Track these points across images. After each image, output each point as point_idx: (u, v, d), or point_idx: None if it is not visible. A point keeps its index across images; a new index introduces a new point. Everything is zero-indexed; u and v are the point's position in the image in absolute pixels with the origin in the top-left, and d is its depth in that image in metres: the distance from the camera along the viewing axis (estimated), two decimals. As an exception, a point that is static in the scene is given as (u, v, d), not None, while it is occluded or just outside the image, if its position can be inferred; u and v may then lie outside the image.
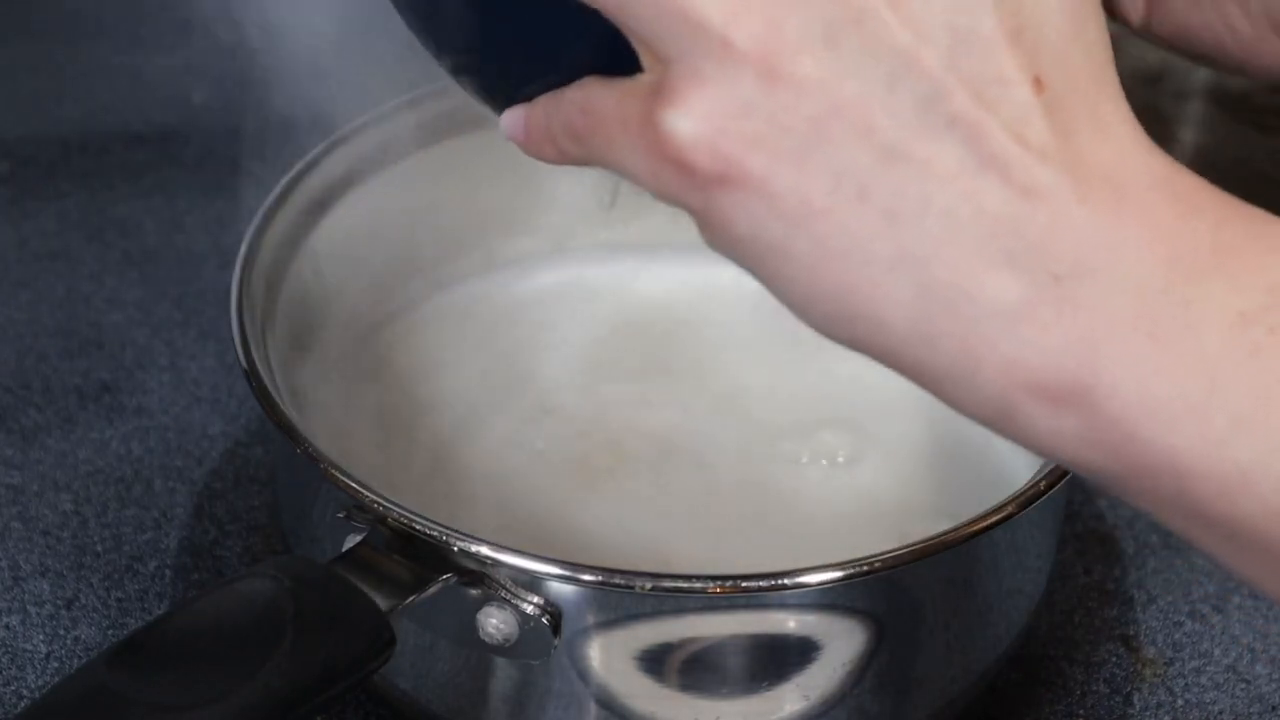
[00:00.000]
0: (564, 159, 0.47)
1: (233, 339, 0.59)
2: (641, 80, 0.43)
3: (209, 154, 0.85)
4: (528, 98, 0.47)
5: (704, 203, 0.43)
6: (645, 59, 0.43)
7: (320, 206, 0.66)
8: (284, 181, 0.65)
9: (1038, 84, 0.41)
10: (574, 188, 0.73)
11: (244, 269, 0.62)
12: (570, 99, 0.45)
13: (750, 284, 0.74)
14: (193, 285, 0.78)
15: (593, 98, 0.45)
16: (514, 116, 0.48)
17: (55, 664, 0.63)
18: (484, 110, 0.50)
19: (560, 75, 0.46)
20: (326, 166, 0.67)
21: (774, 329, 0.71)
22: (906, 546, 0.54)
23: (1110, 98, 0.42)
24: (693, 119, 0.41)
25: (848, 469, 0.66)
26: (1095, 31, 0.43)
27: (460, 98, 0.69)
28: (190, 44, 0.91)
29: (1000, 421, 0.42)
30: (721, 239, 0.43)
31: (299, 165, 0.66)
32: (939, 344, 0.41)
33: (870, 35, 0.41)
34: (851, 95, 0.41)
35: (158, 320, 0.76)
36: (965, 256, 0.41)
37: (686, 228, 0.67)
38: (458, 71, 0.50)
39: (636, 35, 0.43)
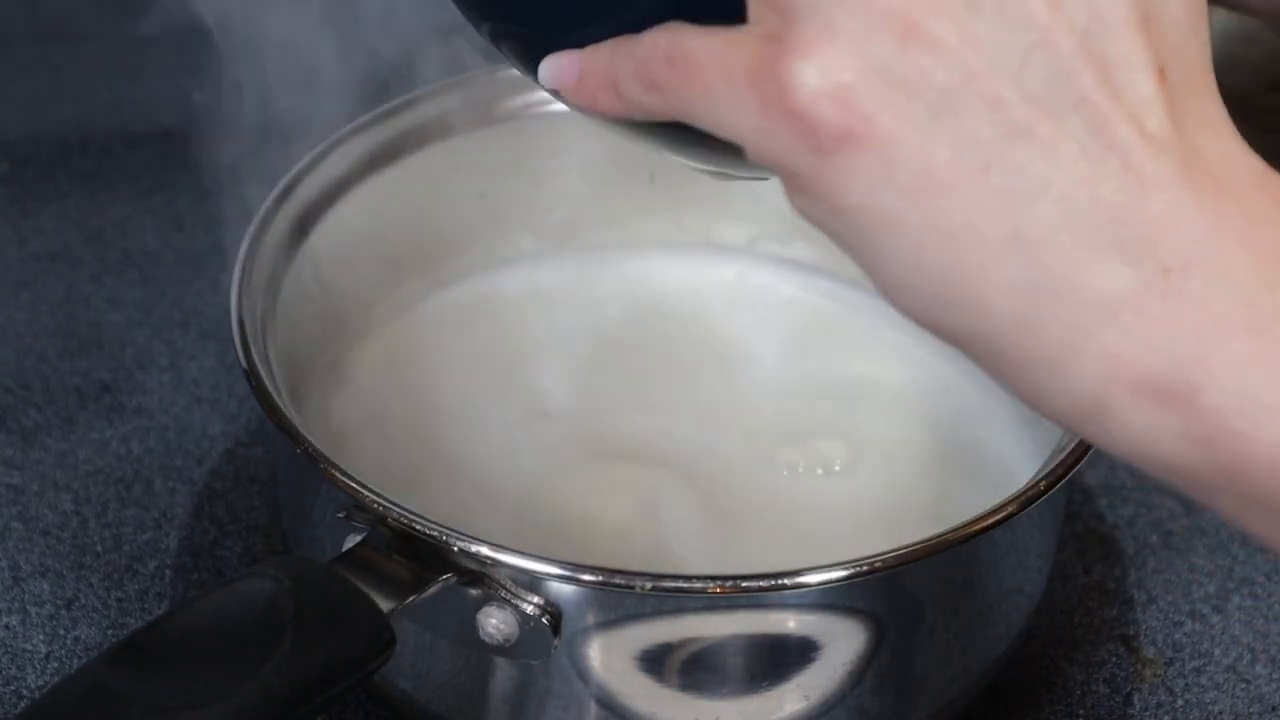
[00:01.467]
0: (626, 109, 0.44)
1: (233, 339, 0.59)
2: (750, 29, 0.41)
3: (209, 154, 0.85)
4: (577, 44, 0.45)
5: (815, 165, 0.41)
6: (756, 8, 0.41)
7: (320, 206, 0.66)
8: (284, 181, 0.65)
9: (1161, 74, 0.41)
10: (574, 187, 0.73)
11: (244, 269, 0.62)
12: (653, 44, 0.43)
13: (751, 284, 0.74)
14: (193, 285, 0.78)
15: (686, 43, 0.42)
16: (563, 61, 0.46)
17: (55, 664, 0.63)
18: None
19: (633, 18, 0.43)
20: (326, 167, 0.67)
21: (774, 329, 0.72)
22: (906, 546, 0.54)
23: (1214, 97, 0.42)
24: (823, 71, 0.40)
25: (845, 475, 0.66)
26: (1204, 29, 0.42)
27: (460, 98, 0.70)
28: (190, 44, 0.91)
29: (1090, 418, 0.41)
30: (823, 207, 0.41)
31: (299, 166, 0.66)
32: (1040, 331, 0.41)
33: (1010, 6, 0.40)
34: (986, 65, 0.40)
35: (158, 320, 0.76)
36: (1077, 242, 0.40)
37: (687, 228, 0.67)
38: (503, 16, 0.47)
39: None
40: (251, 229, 0.63)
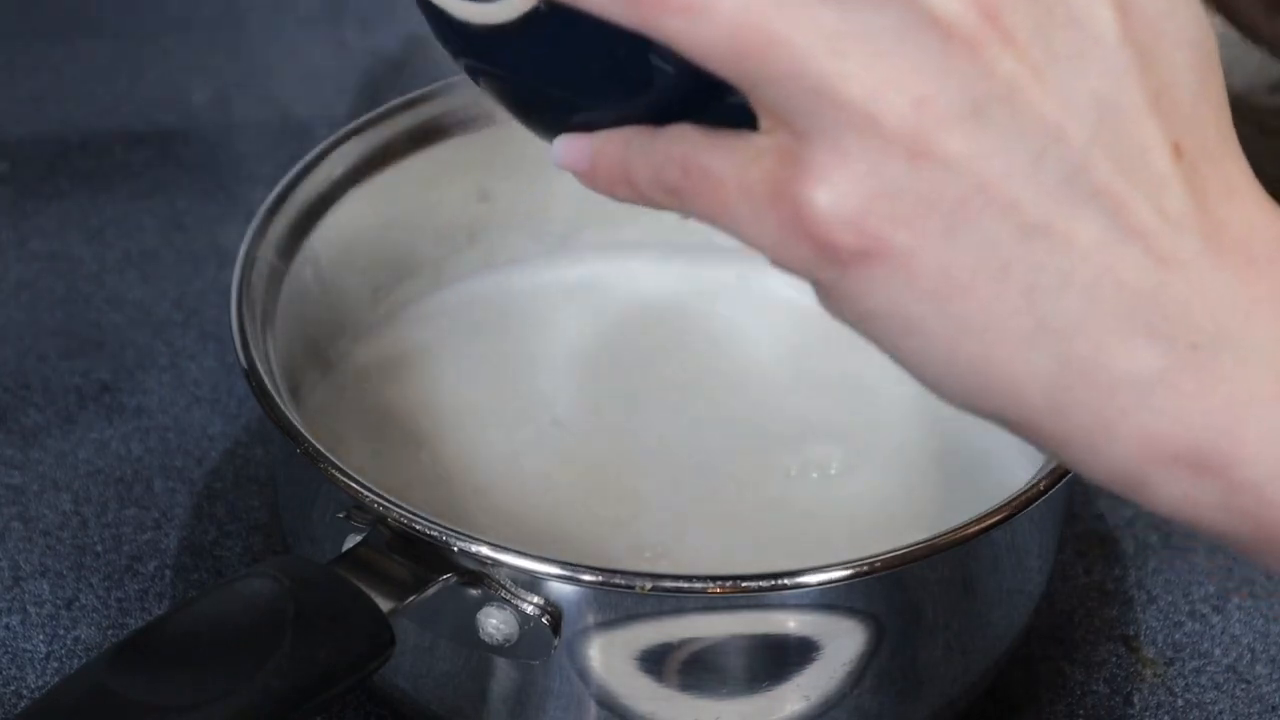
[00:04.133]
0: (644, 202, 0.45)
1: (233, 339, 0.59)
2: (759, 143, 0.41)
3: (209, 154, 0.85)
4: (586, 127, 0.45)
5: (837, 278, 0.41)
6: (765, 121, 0.41)
7: (320, 206, 0.66)
8: (284, 181, 0.65)
9: (1176, 151, 0.41)
10: (574, 187, 0.72)
11: (244, 269, 0.62)
12: (668, 153, 0.43)
13: (751, 285, 0.74)
14: (193, 285, 0.78)
15: (700, 157, 0.42)
16: (576, 146, 0.46)
17: (55, 664, 0.63)
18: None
19: (639, 113, 0.44)
20: (326, 167, 0.67)
21: (774, 330, 0.72)
22: (906, 547, 0.54)
23: (1235, 156, 0.42)
24: (837, 195, 0.40)
25: (845, 476, 0.66)
26: (1218, 85, 0.42)
27: (459, 98, 0.70)
28: (190, 44, 0.91)
29: (1132, 489, 0.42)
30: (849, 311, 0.42)
31: (299, 165, 0.66)
32: (1074, 414, 0.41)
33: (1019, 111, 0.40)
34: (998, 173, 0.40)
35: (158, 320, 0.76)
36: (1104, 329, 0.40)
37: (687, 228, 0.67)
38: (500, 93, 0.47)
39: (763, 104, 0.41)
40: (251, 229, 0.63)
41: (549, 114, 0.46)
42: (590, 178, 0.46)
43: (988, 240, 0.40)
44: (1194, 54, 0.42)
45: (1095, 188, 0.40)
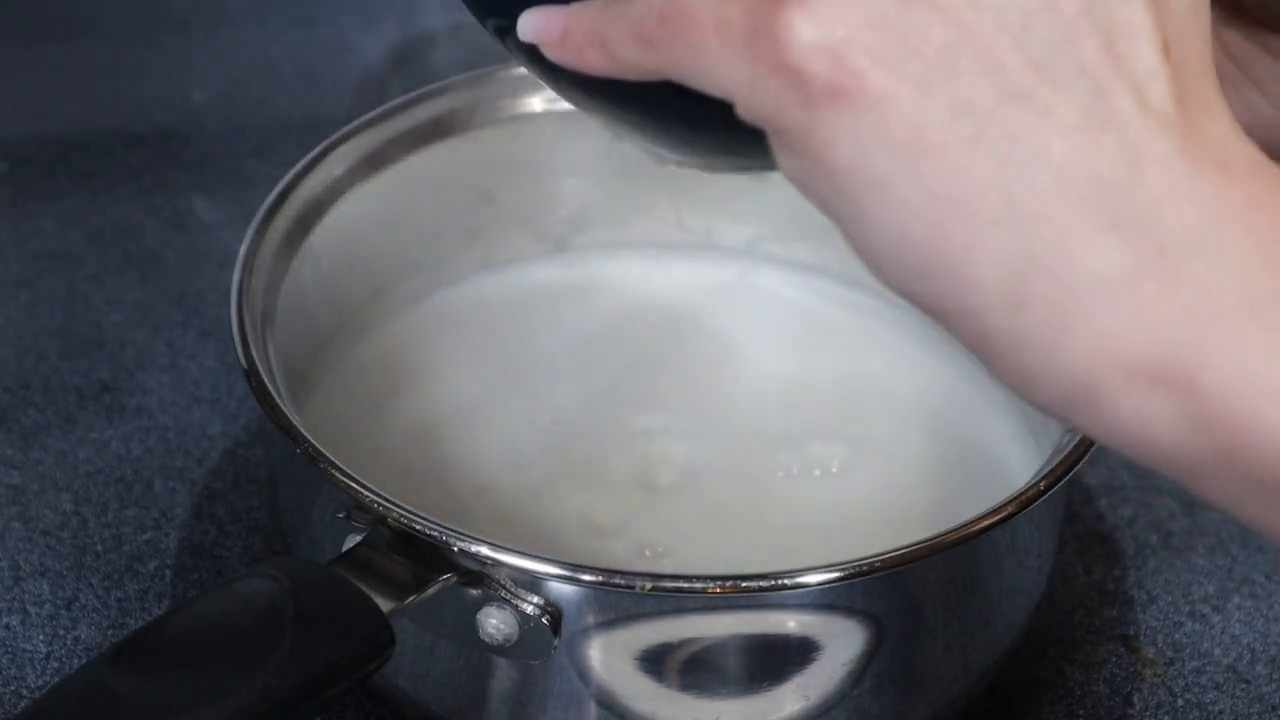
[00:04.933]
0: (614, 67, 0.44)
1: (233, 339, 0.59)
2: None
3: (209, 154, 0.85)
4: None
5: (806, 121, 0.40)
6: None
7: (320, 206, 0.66)
8: (284, 181, 0.65)
9: (1166, 48, 0.40)
10: (574, 187, 0.73)
11: (244, 269, 0.62)
12: (647, 5, 0.42)
13: (751, 284, 0.74)
14: (193, 285, 0.78)
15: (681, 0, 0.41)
16: (546, 15, 0.45)
17: (55, 664, 0.63)
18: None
19: None
20: (326, 167, 0.67)
21: (774, 329, 0.72)
22: (906, 546, 0.54)
23: (1215, 80, 0.41)
24: (818, 24, 0.39)
25: (845, 476, 0.66)
26: (1206, 13, 0.42)
27: (460, 98, 0.70)
28: (190, 44, 0.91)
29: (1080, 402, 0.40)
30: (813, 167, 0.41)
31: (299, 165, 0.66)
32: (1029, 310, 0.40)
33: None
34: (986, 27, 0.39)
35: (158, 320, 0.76)
36: (1071, 217, 0.39)
37: (687, 228, 0.67)
38: None
39: None
40: (251, 229, 0.63)
41: None
42: (560, 47, 0.44)
43: (967, 98, 0.39)
44: None
45: (1081, 64, 0.39)
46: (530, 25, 0.45)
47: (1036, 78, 0.39)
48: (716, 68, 0.41)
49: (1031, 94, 0.39)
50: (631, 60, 0.43)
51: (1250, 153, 0.41)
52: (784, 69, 0.40)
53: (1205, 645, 0.66)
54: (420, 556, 0.53)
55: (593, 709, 0.56)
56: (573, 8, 0.44)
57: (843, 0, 0.39)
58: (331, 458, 0.55)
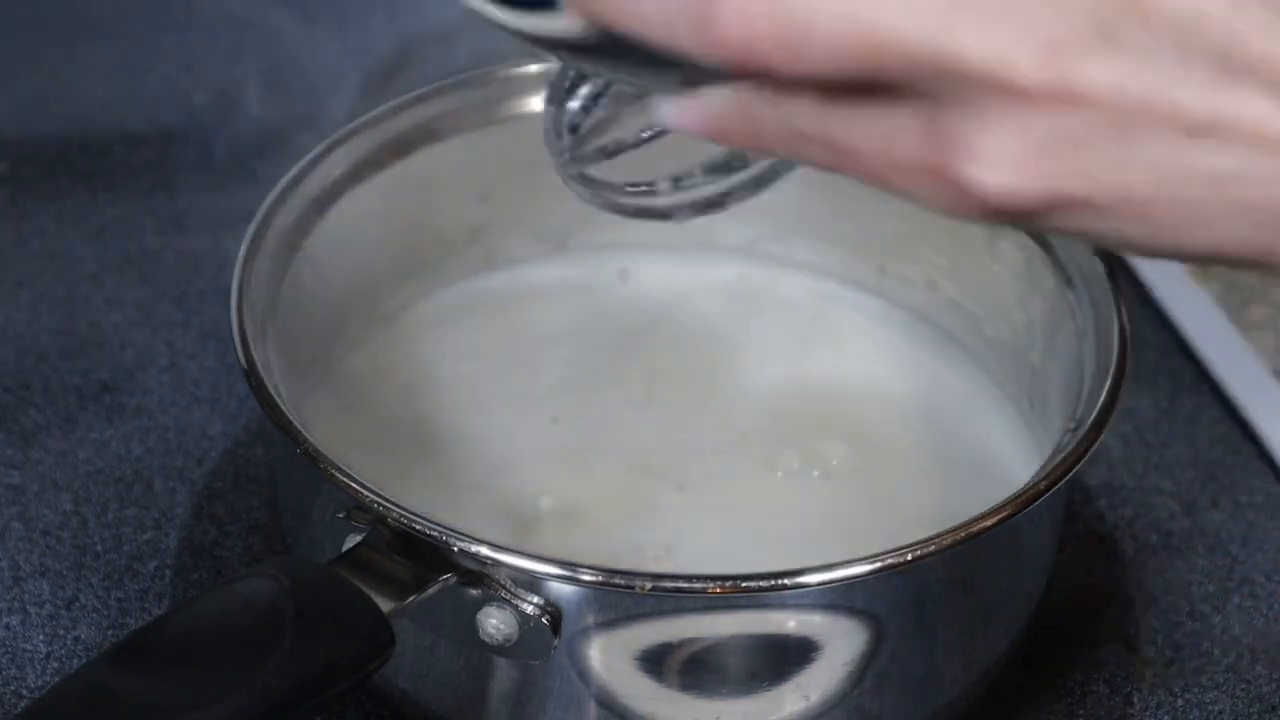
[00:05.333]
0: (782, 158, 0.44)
1: (233, 339, 0.59)
2: (898, 117, 0.40)
3: (209, 154, 0.85)
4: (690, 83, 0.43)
5: (1028, 224, 0.42)
6: (900, 91, 0.40)
7: (320, 206, 0.66)
8: (284, 181, 0.65)
9: None
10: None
11: (244, 269, 0.62)
12: (799, 129, 0.41)
13: (751, 285, 0.73)
14: (193, 285, 0.78)
15: (838, 136, 0.41)
16: (688, 113, 0.43)
17: (55, 664, 0.63)
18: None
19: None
20: (326, 167, 0.67)
21: (774, 329, 0.72)
22: (906, 546, 0.54)
23: None
24: (996, 170, 0.40)
25: (845, 475, 0.66)
26: None
27: (460, 98, 0.70)
28: (190, 44, 0.91)
29: None
30: (1124, 231, 0.42)
31: (298, 165, 0.66)
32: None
33: (1148, 16, 0.39)
34: (1149, 85, 0.39)
35: (158, 320, 0.76)
36: None
37: (687, 228, 0.67)
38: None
39: (895, 85, 0.40)
40: (251, 229, 0.63)
41: (647, 74, 0.44)
42: (717, 138, 0.44)
43: (1159, 154, 0.39)
44: None
45: (1251, 61, 0.39)
46: (673, 119, 0.44)
47: (1211, 97, 0.40)
48: (912, 193, 0.41)
49: (1214, 116, 0.40)
50: (806, 160, 0.43)
51: None
52: (987, 212, 0.41)
53: (1205, 645, 0.66)
54: (420, 556, 0.53)
55: (593, 709, 0.56)
56: (712, 103, 0.43)
57: (1005, 136, 0.39)
58: (331, 458, 0.55)
